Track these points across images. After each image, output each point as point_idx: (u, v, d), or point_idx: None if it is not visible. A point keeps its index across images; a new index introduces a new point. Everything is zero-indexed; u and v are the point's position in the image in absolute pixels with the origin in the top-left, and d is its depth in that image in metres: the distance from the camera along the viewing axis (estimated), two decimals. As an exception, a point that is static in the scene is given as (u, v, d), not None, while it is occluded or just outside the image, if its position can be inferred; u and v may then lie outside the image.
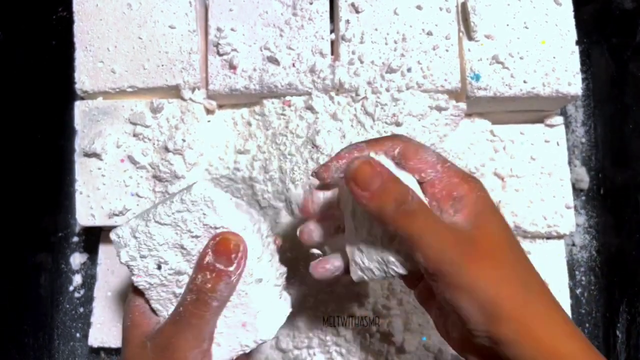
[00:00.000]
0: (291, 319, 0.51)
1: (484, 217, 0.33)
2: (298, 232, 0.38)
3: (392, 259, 0.34)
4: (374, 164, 0.32)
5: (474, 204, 0.33)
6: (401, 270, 0.34)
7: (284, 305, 0.39)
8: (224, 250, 0.34)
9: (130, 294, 0.38)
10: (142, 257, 0.35)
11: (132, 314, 0.37)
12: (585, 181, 0.59)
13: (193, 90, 0.51)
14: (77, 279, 0.60)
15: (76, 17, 0.52)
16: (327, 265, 0.37)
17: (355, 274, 0.36)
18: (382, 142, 0.35)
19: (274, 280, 0.38)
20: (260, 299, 0.36)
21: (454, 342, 0.36)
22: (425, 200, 0.34)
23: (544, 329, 0.32)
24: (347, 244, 0.36)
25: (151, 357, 0.35)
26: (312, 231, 0.38)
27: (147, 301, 0.37)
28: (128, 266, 0.36)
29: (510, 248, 0.34)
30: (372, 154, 0.34)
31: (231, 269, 0.34)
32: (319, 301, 0.51)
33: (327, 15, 0.52)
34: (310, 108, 0.51)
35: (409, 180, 0.34)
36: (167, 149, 0.50)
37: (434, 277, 0.32)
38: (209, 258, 0.34)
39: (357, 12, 0.52)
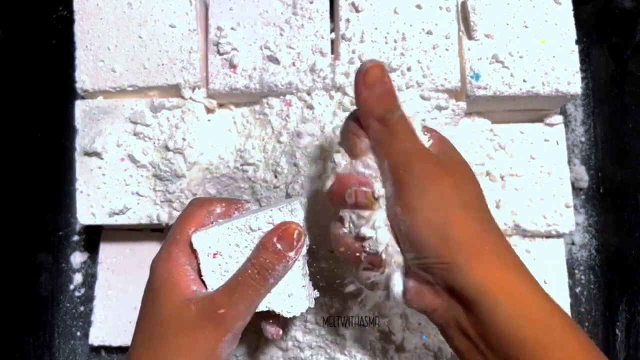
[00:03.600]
0: (292, 319, 0.51)
1: (455, 157, 0.37)
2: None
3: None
4: (385, 72, 0.35)
5: (440, 139, 0.37)
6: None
7: (309, 293, 0.41)
8: (288, 237, 0.38)
9: (176, 253, 0.38)
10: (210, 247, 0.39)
11: (175, 271, 0.38)
12: (584, 180, 0.60)
13: (193, 89, 0.51)
14: (78, 278, 0.60)
15: (76, 16, 0.52)
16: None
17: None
18: None
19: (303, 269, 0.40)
20: (294, 280, 0.39)
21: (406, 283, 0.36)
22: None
23: (493, 261, 0.33)
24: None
25: (195, 320, 0.36)
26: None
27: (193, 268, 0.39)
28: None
29: (474, 183, 0.36)
30: None
31: (291, 254, 0.38)
32: (320, 301, 0.51)
33: (327, 14, 0.52)
34: (310, 107, 0.51)
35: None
36: (167, 148, 0.50)
37: (396, 194, 0.34)
38: (275, 241, 0.37)
39: (357, 11, 0.52)
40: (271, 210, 0.38)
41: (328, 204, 0.39)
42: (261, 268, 0.37)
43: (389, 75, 0.35)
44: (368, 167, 0.36)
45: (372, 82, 0.35)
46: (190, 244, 0.38)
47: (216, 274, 0.38)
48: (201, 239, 0.38)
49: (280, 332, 0.43)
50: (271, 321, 0.42)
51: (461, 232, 0.33)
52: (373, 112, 0.35)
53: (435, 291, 0.35)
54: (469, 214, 0.34)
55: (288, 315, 0.40)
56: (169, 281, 0.38)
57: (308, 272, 0.41)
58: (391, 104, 0.35)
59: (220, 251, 0.38)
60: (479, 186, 0.37)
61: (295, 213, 0.39)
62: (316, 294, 0.42)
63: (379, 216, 0.35)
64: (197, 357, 0.36)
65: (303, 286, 0.40)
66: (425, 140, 0.36)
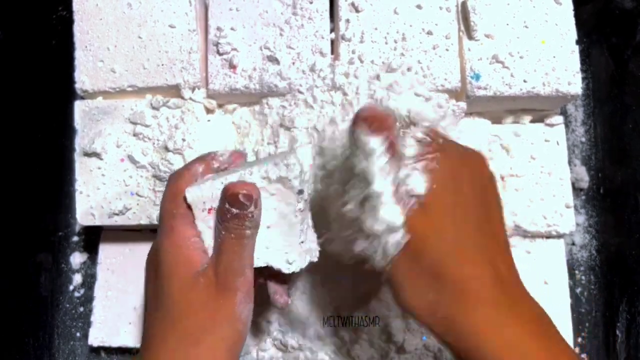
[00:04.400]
0: (292, 319, 0.51)
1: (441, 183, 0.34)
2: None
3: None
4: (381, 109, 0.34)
5: (443, 156, 0.35)
6: None
7: (311, 247, 0.40)
8: (237, 202, 0.36)
9: (183, 227, 0.37)
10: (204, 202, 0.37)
11: (185, 246, 0.37)
12: (585, 180, 0.59)
13: (193, 89, 0.51)
14: (77, 279, 0.60)
15: (76, 17, 0.52)
16: None
17: None
18: None
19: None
20: (291, 236, 0.39)
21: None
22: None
23: (500, 321, 0.32)
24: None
25: (206, 293, 0.36)
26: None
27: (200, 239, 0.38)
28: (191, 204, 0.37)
29: (489, 205, 0.35)
30: None
31: (251, 209, 0.36)
32: (320, 301, 0.51)
33: (327, 14, 0.52)
34: (310, 107, 0.51)
35: None
36: (167, 149, 0.50)
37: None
38: (228, 207, 0.36)
39: (357, 11, 0.52)
40: (266, 164, 0.37)
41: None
42: (230, 230, 0.36)
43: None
44: None
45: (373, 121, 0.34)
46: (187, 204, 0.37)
47: (212, 230, 0.38)
48: (195, 194, 0.37)
49: (289, 300, 0.42)
50: (276, 292, 0.42)
51: (461, 289, 0.32)
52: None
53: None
54: (466, 263, 0.32)
55: (287, 271, 0.39)
56: (179, 259, 0.37)
57: (311, 225, 0.40)
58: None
59: (215, 207, 0.37)
60: (495, 208, 0.36)
61: (291, 168, 0.36)
62: (317, 250, 0.41)
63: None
64: (222, 328, 0.36)
65: (302, 242, 0.39)
66: (421, 182, 0.34)
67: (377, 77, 0.50)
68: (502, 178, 0.53)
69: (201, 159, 0.40)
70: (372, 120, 0.34)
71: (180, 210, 0.37)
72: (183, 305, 0.36)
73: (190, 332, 0.36)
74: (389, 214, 0.33)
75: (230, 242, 0.36)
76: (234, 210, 0.36)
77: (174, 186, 0.38)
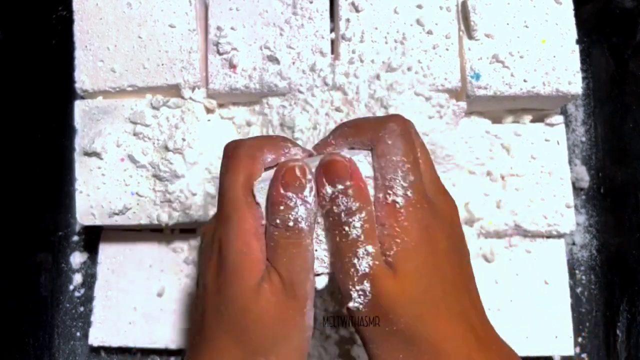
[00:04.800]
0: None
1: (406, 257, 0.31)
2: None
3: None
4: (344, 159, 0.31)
5: (406, 236, 0.31)
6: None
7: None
8: (293, 179, 0.32)
9: (252, 221, 0.32)
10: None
11: (253, 246, 0.32)
12: (585, 180, 0.59)
13: (193, 89, 0.51)
14: (78, 278, 0.60)
15: (76, 17, 0.52)
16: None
17: None
18: (363, 132, 0.33)
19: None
20: None
21: None
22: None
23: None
24: None
25: (272, 300, 0.32)
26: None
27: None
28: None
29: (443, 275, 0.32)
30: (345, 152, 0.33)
31: (305, 192, 0.32)
32: (320, 301, 0.51)
33: (327, 14, 0.52)
34: (310, 107, 0.51)
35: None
36: (167, 148, 0.50)
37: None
38: (283, 191, 0.32)
39: (357, 11, 0.52)
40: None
41: None
42: (285, 223, 0.32)
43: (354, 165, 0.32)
44: None
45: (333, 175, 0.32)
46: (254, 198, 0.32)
47: None
48: (262, 192, 0.32)
49: None
50: None
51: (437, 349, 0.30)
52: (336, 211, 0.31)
53: None
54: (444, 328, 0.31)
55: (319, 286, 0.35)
56: (245, 261, 0.32)
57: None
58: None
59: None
60: (466, 256, 0.34)
61: (361, 166, 0.32)
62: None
63: None
64: (294, 339, 0.32)
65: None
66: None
67: (377, 77, 0.50)
68: (503, 178, 0.53)
69: (274, 145, 0.34)
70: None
71: (249, 199, 0.32)
72: (251, 315, 0.31)
73: (260, 344, 0.32)
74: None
75: (286, 242, 0.32)
76: (289, 194, 0.31)
77: (249, 166, 0.33)
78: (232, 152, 0.34)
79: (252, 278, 0.32)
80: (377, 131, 0.32)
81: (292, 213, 0.31)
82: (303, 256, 0.32)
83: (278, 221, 0.32)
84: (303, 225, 0.32)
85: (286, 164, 0.32)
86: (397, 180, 0.31)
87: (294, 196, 0.31)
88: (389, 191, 0.31)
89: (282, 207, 0.31)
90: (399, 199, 0.31)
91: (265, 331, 0.32)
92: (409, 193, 0.31)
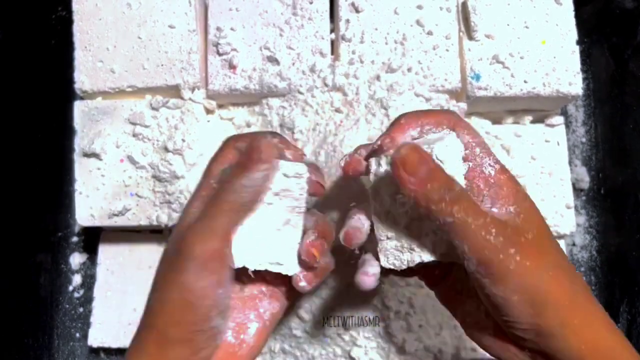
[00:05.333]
0: (291, 320, 0.51)
1: (525, 206, 0.34)
2: (342, 235, 0.36)
3: (424, 247, 0.34)
4: (421, 151, 0.32)
5: (514, 194, 0.34)
6: (432, 258, 0.34)
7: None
8: (257, 148, 0.34)
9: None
10: None
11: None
12: (585, 181, 0.59)
13: (193, 90, 0.51)
14: (77, 279, 0.60)
15: (75, 17, 0.52)
16: (371, 270, 0.36)
17: (385, 263, 0.36)
18: (422, 119, 0.36)
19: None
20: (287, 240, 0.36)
21: (487, 340, 0.35)
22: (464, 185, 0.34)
23: (587, 323, 0.32)
24: (377, 231, 0.36)
25: (167, 249, 0.34)
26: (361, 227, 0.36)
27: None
28: None
29: (551, 238, 0.34)
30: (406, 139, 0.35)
31: (260, 165, 0.33)
32: (320, 302, 0.51)
33: (327, 14, 0.52)
34: (310, 108, 0.51)
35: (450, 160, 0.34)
36: (166, 149, 0.50)
37: (479, 268, 0.32)
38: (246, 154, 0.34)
39: (357, 11, 0.52)
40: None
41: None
42: (223, 183, 0.34)
43: (424, 150, 0.33)
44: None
45: (414, 167, 0.32)
46: None
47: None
48: None
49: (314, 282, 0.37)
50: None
51: (553, 298, 0.32)
52: (430, 198, 0.32)
53: (519, 348, 0.33)
54: (556, 277, 0.32)
55: (286, 273, 0.36)
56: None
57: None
58: (445, 182, 0.32)
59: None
60: (551, 235, 0.35)
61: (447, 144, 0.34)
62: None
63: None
64: (164, 292, 0.33)
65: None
66: (489, 203, 0.33)
67: (377, 78, 0.50)
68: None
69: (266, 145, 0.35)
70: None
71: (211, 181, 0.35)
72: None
73: (153, 286, 0.34)
74: None
75: (212, 201, 0.33)
76: (246, 158, 0.33)
77: (230, 157, 0.35)
78: (224, 142, 0.37)
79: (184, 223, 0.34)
80: (453, 115, 0.36)
81: (231, 179, 0.33)
82: (214, 217, 0.33)
83: (215, 177, 0.34)
84: (231, 194, 0.33)
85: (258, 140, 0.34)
86: (485, 154, 0.34)
87: (247, 165, 0.33)
88: (485, 163, 0.34)
89: (232, 169, 0.34)
90: (492, 170, 0.34)
91: (157, 273, 0.34)
92: (497, 165, 0.34)
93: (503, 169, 0.35)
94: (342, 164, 0.37)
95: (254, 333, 0.36)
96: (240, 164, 0.34)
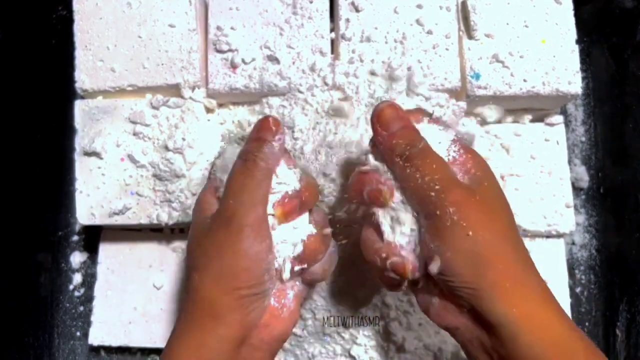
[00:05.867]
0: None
1: (487, 182, 0.36)
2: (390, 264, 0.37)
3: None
4: (398, 109, 0.37)
5: (473, 162, 0.36)
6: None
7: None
8: (266, 125, 0.38)
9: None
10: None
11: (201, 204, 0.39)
12: (585, 180, 0.59)
13: (193, 89, 0.51)
14: (77, 278, 0.60)
15: (76, 16, 0.52)
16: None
17: None
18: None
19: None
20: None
21: (433, 308, 0.37)
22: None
23: (520, 289, 0.33)
24: None
25: (212, 226, 0.36)
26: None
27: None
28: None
29: (505, 207, 0.36)
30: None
31: (270, 138, 0.37)
32: (320, 301, 0.51)
33: (327, 14, 0.52)
34: (310, 107, 0.51)
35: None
36: (167, 148, 0.50)
37: (423, 221, 0.34)
38: (255, 133, 0.38)
39: (357, 10, 0.52)
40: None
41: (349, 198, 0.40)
42: (246, 157, 0.37)
43: (403, 111, 0.37)
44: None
45: (388, 121, 0.36)
46: None
47: None
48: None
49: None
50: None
51: (491, 261, 0.33)
52: (394, 150, 0.35)
53: (460, 311, 0.35)
54: (500, 244, 0.34)
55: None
56: (202, 202, 0.40)
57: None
58: (411, 139, 0.35)
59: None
60: (508, 208, 0.37)
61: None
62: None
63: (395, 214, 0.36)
64: (223, 260, 0.35)
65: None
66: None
67: (377, 77, 0.50)
68: (502, 178, 0.53)
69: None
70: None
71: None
72: (195, 240, 0.37)
73: (196, 263, 0.36)
74: None
75: (242, 173, 0.36)
76: (259, 135, 0.37)
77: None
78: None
79: (205, 214, 0.38)
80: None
81: (256, 148, 0.37)
82: (251, 188, 0.36)
83: (244, 150, 0.37)
84: (262, 163, 0.36)
85: (264, 118, 0.38)
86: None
87: (261, 137, 0.37)
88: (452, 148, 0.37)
89: (248, 145, 0.37)
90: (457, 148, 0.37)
91: (202, 252, 0.36)
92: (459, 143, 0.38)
93: (465, 147, 0.37)
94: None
95: (292, 298, 0.39)
96: (253, 139, 0.38)
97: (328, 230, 0.40)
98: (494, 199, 0.36)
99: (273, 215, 0.37)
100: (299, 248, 0.38)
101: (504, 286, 0.33)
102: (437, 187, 0.34)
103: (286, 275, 0.37)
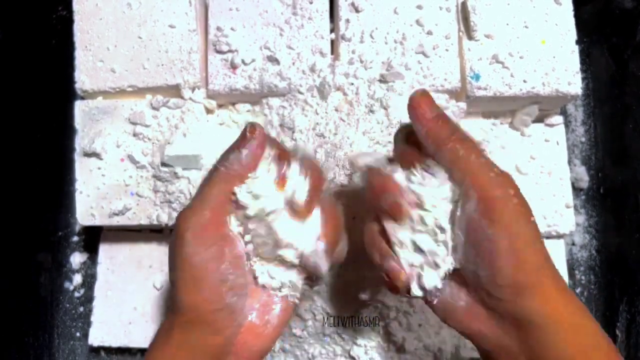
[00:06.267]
0: (291, 321, 0.51)
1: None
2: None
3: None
4: (432, 98, 0.36)
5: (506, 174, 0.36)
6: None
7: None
8: (242, 134, 0.36)
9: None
10: None
11: None
12: (585, 180, 0.59)
13: (193, 89, 0.51)
14: (77, 278, 0.60)
15: (76, 17, 0.52)
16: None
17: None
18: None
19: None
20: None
21: (458, 314, 0.36)
22: None
23: (555, 286, 0.33)
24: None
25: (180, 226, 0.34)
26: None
27: None
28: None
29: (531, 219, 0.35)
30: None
31: (243, 144, 0.35)
32: (319, 301, 0.51)
33: (327, 14, 0.52)
34: (310, 107, 0.51)
35: None
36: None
37: (479, 206, 0.33)
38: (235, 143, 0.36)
39: (357, 11, 0.52)
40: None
41: (365, 195, 0.38)
42: (221, 162, 0.35)
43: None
44: (422, 184, 0.35)
45: (430, 106, 0.35)
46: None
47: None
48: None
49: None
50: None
51: (536, 259, 0.33)
52: (444, 131, 0.34)
53: (489, 315, 0.34)
54: (538, 244, 0.33)
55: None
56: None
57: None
58: (452, 124, 0.35)
59: None
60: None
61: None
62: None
63: (404, 234, 0.35)
64: (170, 265, 0.34)
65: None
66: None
67: (377, 77, 0.50)
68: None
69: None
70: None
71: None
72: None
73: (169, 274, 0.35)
74: None
75: (203, 180, 0.35)
76: (230, 146, 0.35)
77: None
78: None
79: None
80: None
81: (228, 153, 0.35)
82: (202, 194, 0.34)
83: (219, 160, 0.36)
84: (220, 167, 0.35)
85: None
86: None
87: (231, 147, 0.35)
88: None
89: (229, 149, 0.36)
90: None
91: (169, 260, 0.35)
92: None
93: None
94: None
95: (277, 313, 0.36)
96: (231, 146, 0.36)
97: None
98: (520, 200, 0.35)
99: (294, 211, 0.35)
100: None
101: (545, 282, 0.32)
102: (495, 169, 0.34)
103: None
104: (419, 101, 0.35)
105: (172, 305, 0.34)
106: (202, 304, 0.33)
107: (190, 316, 0.33)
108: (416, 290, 0.36)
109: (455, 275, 0.35)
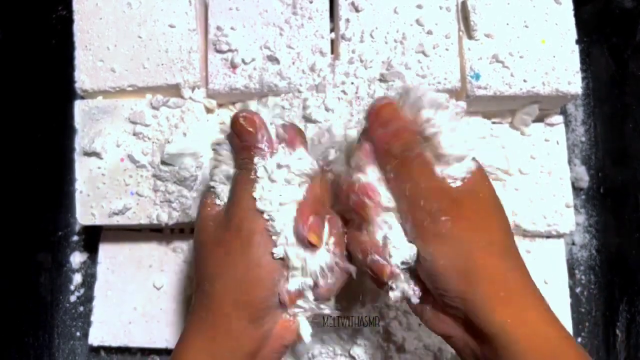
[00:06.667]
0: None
1: (481, 190, 0.35)
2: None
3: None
4: (395, 108, 0.35)
5: (476, 179, 0.35)
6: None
7: None
8: (244, 130, 0.36)
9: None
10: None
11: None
12: (585, 180, 0.59)
13: (193, 89, 0.51)
14: (77, 278, 0.60)
15: (76, 16, 0.52)
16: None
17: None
18: None
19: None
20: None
21: (427, 314, 0.36)
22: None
23: (514, 298, 0.33)
24: None
25: (216, 234, 0.36)
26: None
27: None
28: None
29: (499, 217, 0.35)
30: None
31: (261, 145, 0.36)
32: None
33: (327, 14, 0.52)
34: (309, 106, 0.51)
35: None
36: (167, 148, 0.50)
37: (412, 229, 0.34)
38: (238, 141, 0.37)
39: (357, 11, 0.52)
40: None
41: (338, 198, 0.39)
42: (242, 166, 0.37)
43: (401, 112, 0.35)
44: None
45: (385, 120, 0.35)
46: None
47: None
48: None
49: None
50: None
51: (483, 271, 0.33)
52: (390, 151, 0.34)
53: (454, 320, 0.34)
54: (491, 253, 0.33)
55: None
56: (204, 206, 0.40)
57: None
58: (409, 141, 0.34)
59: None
60: (503, 215, 0.36)
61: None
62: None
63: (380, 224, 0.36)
64: (235, 269, 0.35)
65: None
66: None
67: (377, 77, 0.50)
68: (504, 174, 0.53)
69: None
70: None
71: None
72: (200, 247, 0.37)
73: (205, 272, 0.36)
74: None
75: (243, 182, 0.36)
76: (243, 141, 0.36)
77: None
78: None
79: (209, 220, 0.37)
80: None
81: (246, 156, 0.36)
82: (252, 192, 0.35)
83: (238, 162, 0.37)
84: (257, 167, 0.36)
85: (234, 116, 0.37)
86: None
87: (247, 142, 0.36)
88: None
89: (237, 151, 0.37)
90: None
91: (214, 261, 0.36)
92: None
93: None
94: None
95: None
96: (242, 148, 0.37)
97: (351, 269, 0.39)
98: (487, 207, 0.35)
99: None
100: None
101: (497, 296, 0.32)
102: (429, 195, 0.33)
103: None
104: (377, 111, 0.35)
105: (215, 299, 0.35)
106: (257, 303, 0.35)
107: (241, 313, 0.34)
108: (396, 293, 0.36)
109: (419, 281, 0.36)
